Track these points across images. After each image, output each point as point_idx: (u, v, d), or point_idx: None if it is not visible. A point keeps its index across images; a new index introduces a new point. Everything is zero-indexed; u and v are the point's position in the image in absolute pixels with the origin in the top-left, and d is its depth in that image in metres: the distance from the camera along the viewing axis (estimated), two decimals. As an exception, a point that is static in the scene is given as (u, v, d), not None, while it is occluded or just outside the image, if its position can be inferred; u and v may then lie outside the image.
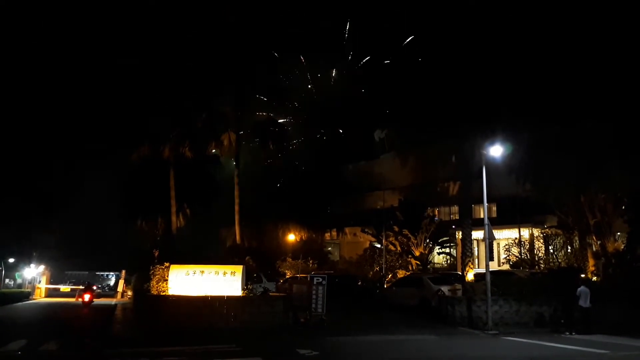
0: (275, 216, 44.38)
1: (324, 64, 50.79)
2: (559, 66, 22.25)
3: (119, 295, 46.48)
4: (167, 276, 20.96)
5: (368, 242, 41.73)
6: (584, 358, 14.37)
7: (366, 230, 41.03)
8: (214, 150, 30.83)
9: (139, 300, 22.40)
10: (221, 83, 28.65)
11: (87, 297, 32.57)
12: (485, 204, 20.23)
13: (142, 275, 23.10)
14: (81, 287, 48.34)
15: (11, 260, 49.52)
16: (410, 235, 35.25)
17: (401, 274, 33.50)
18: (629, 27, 22.17)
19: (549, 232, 32.19)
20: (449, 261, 37.87)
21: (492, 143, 20.08)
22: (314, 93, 55.17)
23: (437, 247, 36.97)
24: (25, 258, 50.78)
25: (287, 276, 36.20)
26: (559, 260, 30.13)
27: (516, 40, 22.29)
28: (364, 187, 48.54)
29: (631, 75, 22.22)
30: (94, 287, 46.47)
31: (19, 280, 51.54)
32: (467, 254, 23.47)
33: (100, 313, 28.76)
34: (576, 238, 28.90)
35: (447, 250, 37.68)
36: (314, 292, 20.52)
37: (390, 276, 33.32)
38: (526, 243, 34.07)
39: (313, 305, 20.42)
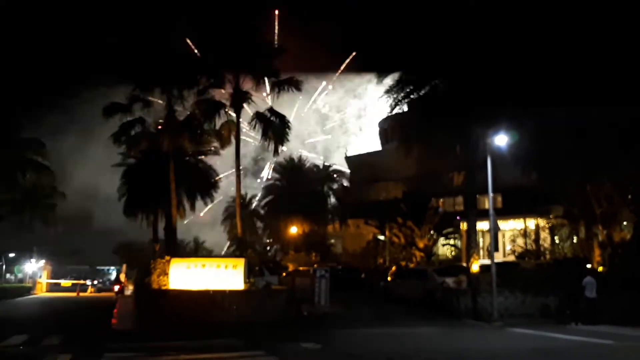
0: (278, 209, 44.25)
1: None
2: (565, 53, 21.89)
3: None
4: (168, 270, 20.76)
5: (371, 234, 41.55)
6: (589, 349, 14.23)
7: (369, 222, 40.84)
8: (214, 142, 30.58)
9: (139, 295, 22.26)
10: (221, 74, 28.36)
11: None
12: (491, 194, 19.98)
13: (143, 269, 22.93)
14: (82, 281, 50.65)
15: (12, 254, 49.53)
16: (414, 227, 35.06)
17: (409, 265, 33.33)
18: (633, 14, 21.81)
19: (555, 222, 32.03)
20: (453, 253, 37.68)
21: (497, 132, 19.79)
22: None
23: (442, 238, 36.78)
24: (25, 252, 50.80)
25: (290, 269, 36.03)
26: (565, 251, 29.98)
27: (520, 26, 21.90)
28: (367, 178, 48.34)
29: (638, 62, 21.86)
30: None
31: (19, 275, 51.57)
32: (472, 245, 23.21)
33: (100, 307, 28.70)
34: (582, 228, 28.70)
35: (452, 241, 37.48)
36: (316, 285, 20.38)
37: (394, 268, 33.16)
38: (532, 233, 33.89)
39: (316, 298, 20.27)
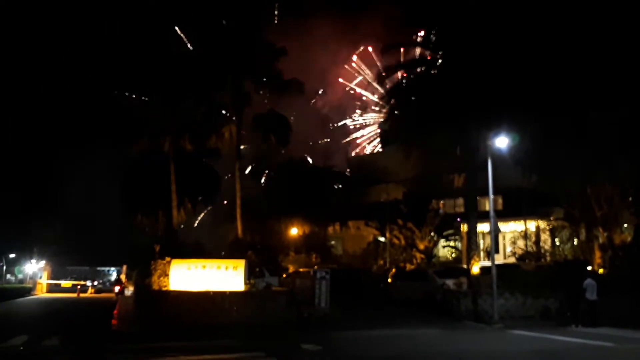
0: (278, 210, 44.19)
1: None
2: (565, 55, 21.93)
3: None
4: (169, 271, 20.78)
5: (372, 236, 41.54)
6: (590, 351, 14.22)
7: (370, 223, 40.84)
8: (214, 144, 30.64)
9: (140, 296, 22.27)
10: (222, 75, 28.45)
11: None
12: (491, 196, 19.97)
13: (143, 270, 22.95)
14: (82, 282, 52.12)
15: (12, 255, 49.56)
16: (414, 229, 35.01)
17: (406, 267, 33.28)
18: (632, 16, 21.83)
19: (555, 224, 32.03)
20: (454, 254, 37.64)
21: (498, 134, 19.79)
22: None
23: (442, 240, 36.75)
24: (26, 253, 50.84)
25: (290, 271, 36.00)
26: (565, 253, 29.95)
27: (521, 29, 21.95)
28: (367, 179, 48.35)
29: (637, 63, 21.86)
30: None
31: (20, 276, 51.61)
32: (472, 247, 23.23)
33: (101, 308, 28.69)
34: (582, 230, 28.66)
35: (452, 243, 37.45)
36: (317, 286, 20.38)
37: (393, 270, 33.17)
38: (532, 235, 33.87)
39: (316, 300, 20.26)
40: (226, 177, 38.73)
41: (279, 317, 19.53)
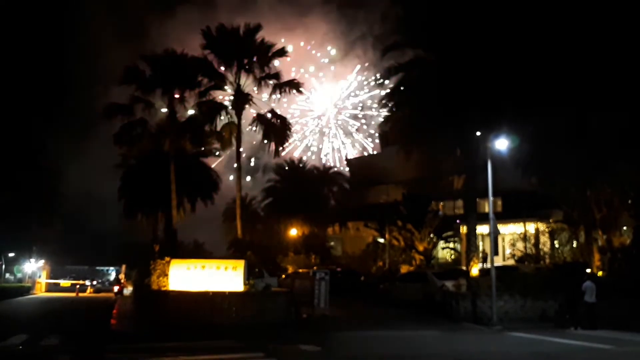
0: (278, 210, 44.27)
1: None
2: (566, 57, 21.95)
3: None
4: (168, 271, 20.75)
5: (371, 237, 41.53)
6: (589, 353, 14.24)
7: (369, 225, 40.84)
8: (214, 144, 30.69)
9: (139, 296, 22.28)
10: (223, 75, 28.52)
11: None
12: (491, 198, 19.99)
13: (142, 270, 22.98)
14: (81, 281, 52.52)
15: (11, 254, 49.55)
16: (413, 230, 35.00)
17: (404, 269, 33.30)
18: (632, 19, 21.85)
19: (555, 226, 32.04)
20: (453, 256, 37.65)
21: (498, 136, 19.81)
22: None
23: (441, 241, 36.75)
24: (25, 252, 50.83)
25: (289, 271, 36.04)
26: (565, 255, 29.99)
27: (522, 29, 21.97)
28: (367, 180, 48.38)
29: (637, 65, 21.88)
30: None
31: (19, 275, 51.60)
32: (471, 249, 23.27)
33: (100, 308, 28.70)
34: (582, 233, 28.71)
35: (452, 245, 37.44)
36: (316, 287, 20.37)
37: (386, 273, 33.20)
38: (531, 238, 33.89)
39: (315, 301, 20.25)
40: (226, 178, 38.88)
41: (278, 317, 19.54)
